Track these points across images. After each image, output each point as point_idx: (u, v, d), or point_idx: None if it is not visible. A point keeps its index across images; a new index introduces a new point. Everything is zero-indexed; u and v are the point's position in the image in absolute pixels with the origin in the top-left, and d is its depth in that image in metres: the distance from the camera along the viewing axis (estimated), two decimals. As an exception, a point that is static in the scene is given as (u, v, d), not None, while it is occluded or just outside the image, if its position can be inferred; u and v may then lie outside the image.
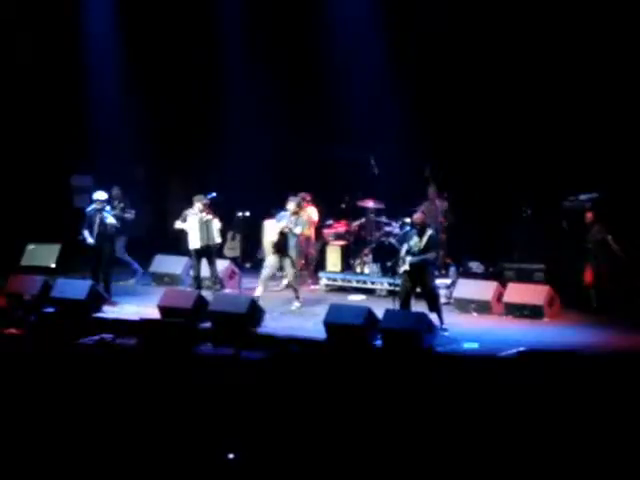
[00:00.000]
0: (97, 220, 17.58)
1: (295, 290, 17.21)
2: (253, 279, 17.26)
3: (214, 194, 19.36)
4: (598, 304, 16.61)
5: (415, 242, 15.49)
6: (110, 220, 17.69)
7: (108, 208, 17.86)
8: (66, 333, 15.44)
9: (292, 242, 17.00)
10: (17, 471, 9.82)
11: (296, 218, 17.08)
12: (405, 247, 15.62)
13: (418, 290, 15.73)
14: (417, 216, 15.84)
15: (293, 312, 16.90)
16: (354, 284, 18.51)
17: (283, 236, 17.00)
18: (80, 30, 21.51)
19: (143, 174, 20.84)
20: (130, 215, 18.95)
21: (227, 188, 19.53)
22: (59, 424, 10.77)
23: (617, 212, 16.83)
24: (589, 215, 16.81)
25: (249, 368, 13.29)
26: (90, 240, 17.66)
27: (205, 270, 18.41)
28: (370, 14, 19.37)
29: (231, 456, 9.88)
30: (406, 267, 15.46)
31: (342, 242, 18.96)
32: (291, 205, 17.17)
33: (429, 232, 15.57)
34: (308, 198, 18.95)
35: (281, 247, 17.02)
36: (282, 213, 17.29)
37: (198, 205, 17.45)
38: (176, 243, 19.41)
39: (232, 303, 16.30)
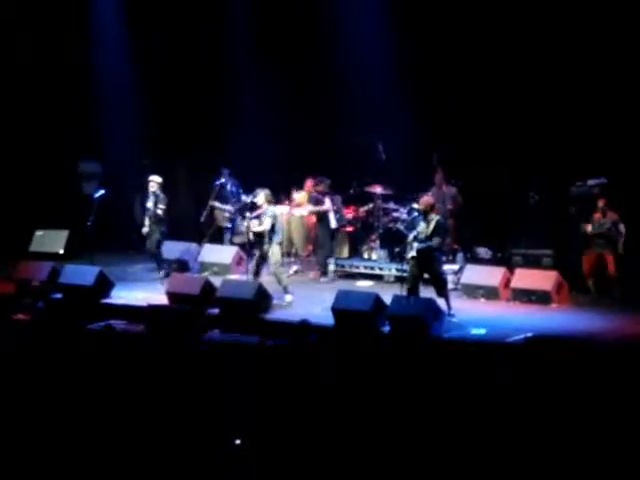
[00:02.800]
0: (149, 205, 18.30)
1: (280, 282, 16.61)
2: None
3: (223, 180, 19.38)
4: (598, 293, 16.54)
5: (422, 228, 15.45)
6: (149, 204, 18.29)
7: (159, 192, 18.32)
8: (74, 319, 15.47)
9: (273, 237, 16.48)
10: (23, 457, 9.85)
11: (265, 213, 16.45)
12: (413, 233, 15.58)
13: (426, 276, 15.73)
14: (423, 200, 15.80)
15: (285, 306, 16.32)
16: (362, 270, 18.51)
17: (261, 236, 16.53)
18: (88, 18, 21.51)
19: (150, 161, 20.84)
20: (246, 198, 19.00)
21: (234, 175, 19.55)
22: (64, 411, 10.79)
23: (625, 198, 16.76)
24: (601, 203, 16.63)
25: (255, 355, 13.27)
26: (145, 229, 18.37)
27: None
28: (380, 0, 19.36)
29: (238, 442, 9.89)
30: (413, 253, 15.44)
31: (350, 228, 18.94)
32: (260, 198, 16.59)
33: (436, 217, 15.53)
34: (327, 182, 18.71)
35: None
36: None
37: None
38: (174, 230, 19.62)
39: (240, 289, 16.29)
